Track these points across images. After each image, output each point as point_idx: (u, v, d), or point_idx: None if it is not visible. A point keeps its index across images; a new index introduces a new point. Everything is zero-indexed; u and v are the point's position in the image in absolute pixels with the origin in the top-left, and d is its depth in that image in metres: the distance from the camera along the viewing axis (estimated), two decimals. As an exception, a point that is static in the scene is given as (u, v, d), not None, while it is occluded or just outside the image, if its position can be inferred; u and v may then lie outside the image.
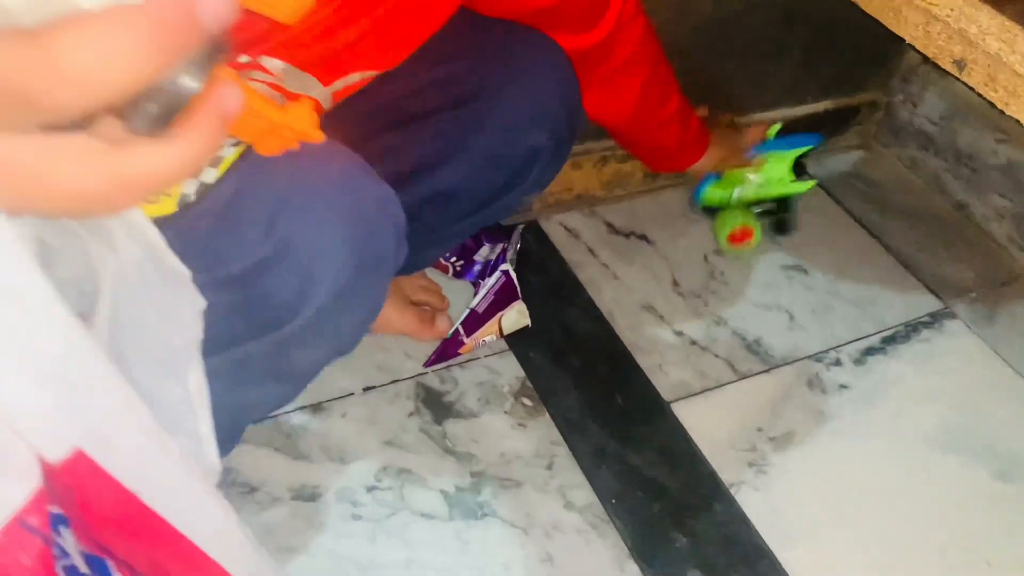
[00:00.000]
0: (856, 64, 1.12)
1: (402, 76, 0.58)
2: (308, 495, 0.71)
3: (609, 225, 1.01)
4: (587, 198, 1.02)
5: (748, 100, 1.07)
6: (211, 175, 0.40)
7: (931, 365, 0.91)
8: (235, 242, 0.37)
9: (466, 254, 0.89)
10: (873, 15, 0.68)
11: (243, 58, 0.47)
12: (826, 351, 0.90)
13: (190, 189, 0.40)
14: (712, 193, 0.98)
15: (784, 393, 0.86)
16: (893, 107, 1.17)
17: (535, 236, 0.97)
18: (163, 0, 0.18)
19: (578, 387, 0.83)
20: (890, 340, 0.92)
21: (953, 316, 0.96)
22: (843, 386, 0.87)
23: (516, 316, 0.83)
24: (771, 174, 0.97)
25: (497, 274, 0.84)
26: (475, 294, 0.84)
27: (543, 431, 0.79)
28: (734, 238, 0.98)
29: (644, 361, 0.86)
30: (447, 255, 0.89)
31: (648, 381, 0.84)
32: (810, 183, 0.99)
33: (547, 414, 0.80)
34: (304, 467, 0.73)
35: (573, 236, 0.99)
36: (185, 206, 0.40)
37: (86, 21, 0.17)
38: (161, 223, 0.34)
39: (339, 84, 0.53)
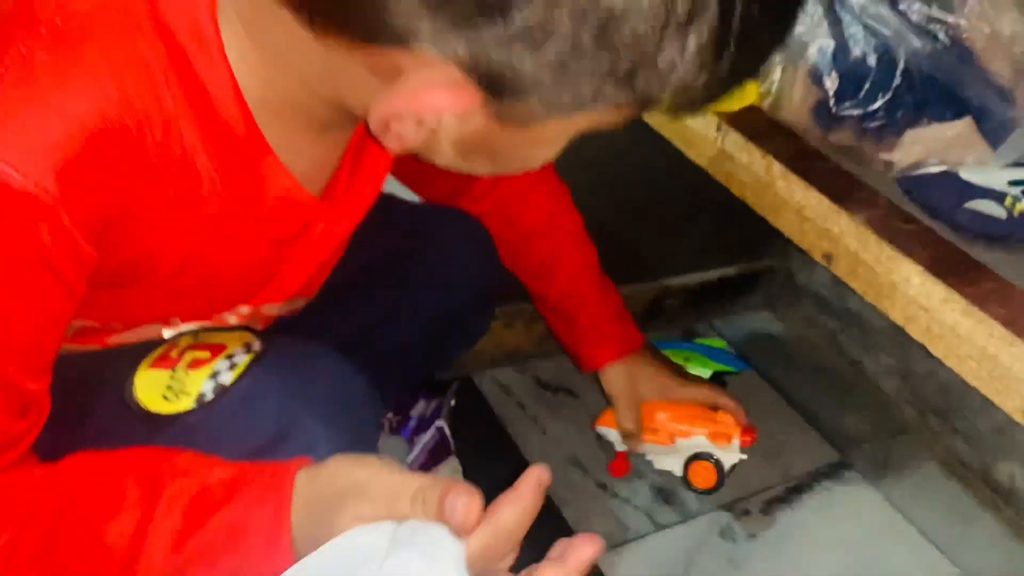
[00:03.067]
0: (758, 235, 1.25)
1: (344, 261, 0.66)
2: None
3: (538, 380, 1.09)
4: (518, 355, 1.10)
5: (662, 267, 1.18)
6: (228, 378, 0.48)
7: (831, 513, 0.98)
8: (245, 431, 0.44)
9: (402, 409, 0.95)
10: (759, 212, 0.80)
11: (244, 309, 0.57)
12: (736, 501, 0.97)
13: (208, 388, 0.48)
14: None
15: (698, 543, 0.92)
16: (792, 272, 1.30)
17: (469, 392, 1.04)
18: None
19: (507, 539, 0.87)
20: (794, 490, 1.00)
21: (850, 467, 1.05)
22: (752, 535, 0.94)
23: (449, 472, 0.89)
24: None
25: (431, 430, 0.90)
26: (410, 451, 0.89)
27: (474, 583, 0.82)
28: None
29: (569, 513, 0.92)
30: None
31: (573, 533, 0.90)
32: None
33: (478, 566, 0.84)
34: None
35: (505, 391, 1.06)
36: (202, 404, 0.48)
37: None
38: (176, 418, 0.45)
39: (313, 290, 0.63)
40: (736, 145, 0.80)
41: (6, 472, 0.41)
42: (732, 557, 0.91)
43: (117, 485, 0.40)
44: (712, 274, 1.23)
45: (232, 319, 0.57)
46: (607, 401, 0.92)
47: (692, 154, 0.85)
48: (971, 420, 1.08)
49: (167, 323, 0.53)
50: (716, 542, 0.92)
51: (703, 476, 0.92)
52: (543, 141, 0.43)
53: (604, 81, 0.37)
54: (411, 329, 0.75)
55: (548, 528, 0.94)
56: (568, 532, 0.91)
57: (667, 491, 0.97)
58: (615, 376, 0.88)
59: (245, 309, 0.56)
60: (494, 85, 0.37)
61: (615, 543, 0.90)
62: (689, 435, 0.89)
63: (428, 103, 0.38)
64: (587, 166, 0.98)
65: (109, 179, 0.39)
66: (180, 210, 0.43)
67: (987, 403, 1.06)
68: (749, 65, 0.41)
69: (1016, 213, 0.68)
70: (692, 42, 0.36)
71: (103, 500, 0.40)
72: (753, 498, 0.98)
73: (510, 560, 0.39)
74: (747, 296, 1.29)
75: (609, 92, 0.38)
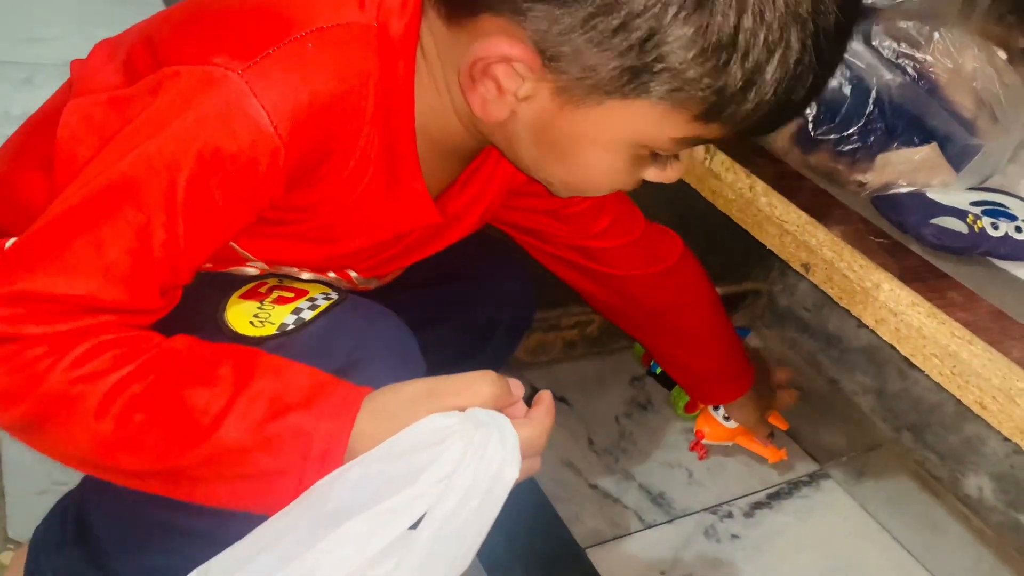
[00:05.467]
0: (741, 258, 1.32)
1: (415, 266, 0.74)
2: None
3: (534, 388, 1.13)
4: (515, 363, 1.15)
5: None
6: (308, 315, 0.55)
7: (810, 519, 1.04)
8: (317, 360, 0.49)
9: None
10: (742, 226, 0.87)
11: (331, 274, 0.66)
12: (720, 504, 1.02)
13: (290, 320, 0.54)
14: None
15: (684, 541, 0.97)
16: (773, 295, 1.37)
17: (467, 397, 1.08)
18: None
19: (503, 533, 0.91)
20: (775, 496, 1.06)
21: (828, 476, 1.11)
22: (735, 536, 0.99)
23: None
24: None
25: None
26: (414, 446, 0.94)
27: (470, 573, 0.86)
28: (690, 408, 1.12)
29: (563, 511, 0.96)
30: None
31: (566, 528, 0.94)
32: None
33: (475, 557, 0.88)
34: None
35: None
36: (284, 332, 0.54)
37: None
38: (261, 340, 0.53)
39: (390, 277, 0.73)
40: (722, 165, 0.86)
41: (137, 328, 0.49)
42: (716, 556, 0.96)
43: (217, 363, 0.47)
44: (699, 294, 1.29)
45: (329, 276, 0.66)
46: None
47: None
48: (942, 436, 1.14)
49: (278, 265, 0.63)
50: (701, 541, 0.97)
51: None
52: (599, 137, 0.52)
53: (624, 60, 0.46)
54: (444, 336, 0.81)
55: (543, 523, 0.99)
56: (561, 526, 0.95)
57: (655, 492, 1.02)
58: (742, 408, 1.04)
59: (352, 273, 0.67)
60: (540, 40, 0.48)
61: (605, 539, 0.94)
62: None
63: (496, 49, 0.49)
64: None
65: (320, 142, 0.51)
66: (348, 183, 0.55)
67: (956, 420, 1.12)
68: (755, 78, 0.47)
69: (976, 229, 0.74)
70: (689, 29, 0.45)
71: (203, 371, 0.47)
72: (736, 502, 1.03)
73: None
74: (731, 316, 1.35)
75: (633, 79, 0.47)
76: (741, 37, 0.45)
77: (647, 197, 1.13)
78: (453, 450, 0.43)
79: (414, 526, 0.43)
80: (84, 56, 0.62)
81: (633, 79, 0.47)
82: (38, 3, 1.65)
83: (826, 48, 0.48)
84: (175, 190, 0.47)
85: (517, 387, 0.50)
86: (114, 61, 0.56)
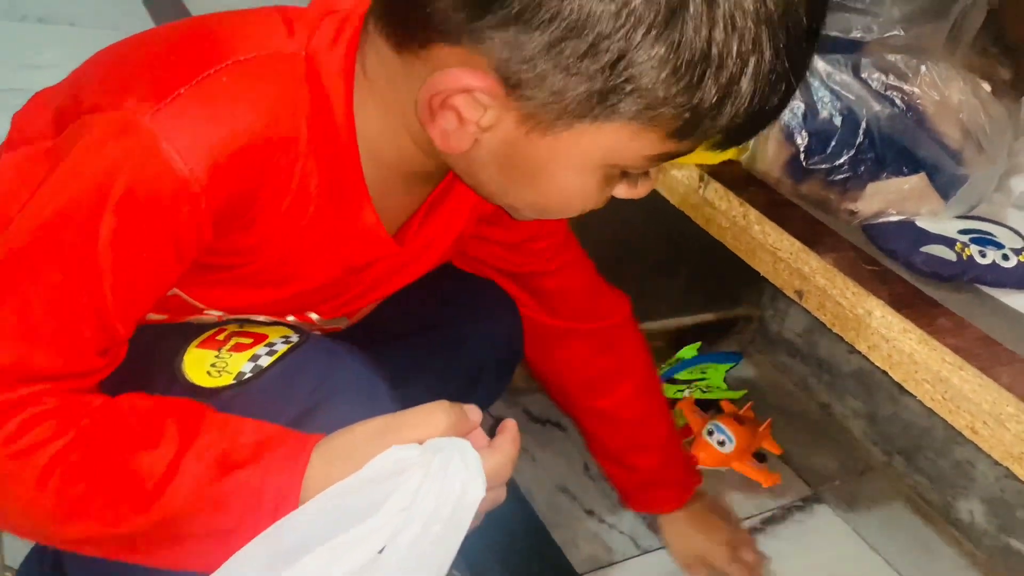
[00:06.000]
0: (733, 284, 1.34)
1: (386, 303, 0.71)
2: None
3: (528, 413, 1.14)
4: (511, 388, 1.16)
5: (643, 311, 1.25)
6: (267, 361, 0.54)
7: (803, 543, 1.04)
8: (276, 407, 0.48)
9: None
10: (736, 253, 0.88)
11: (291, 318, 0.63)
12: (715, 529, 1.03)
13: (247, 368, 0.53)
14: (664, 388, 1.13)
15: (680, 567, 0.97)
16: (765, 320, 1.38)
17: (462, 422, 1.09)
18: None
19: (499, 558, 0.92)
20: (769, 521, 1.06)
21: (821, 501, 1.12)
22: (730, 560, 0.99)
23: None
24: (711, 382, 1.17)
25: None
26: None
27: (469, 598, 0.87)
28: (683, 434, 1.13)
29: (559, 536, 0.97)
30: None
31: (563, 554, 0.95)
32: (742, 392, 1.20)
33: (473, 583, 0.88)
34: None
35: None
36: (240, 381, 0.53)
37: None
38: (216, 391, 0.50)
39: (358, 316, 0.70)
40: (717, 194, 0.88)
41: (76, 392, 0.47)
42: (711, 581, 0.96)
43: (160, 423, 0.46)
44: (690, 319, 1.30)
45: (289, 319, 0.64)
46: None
47: (676, 202, 0.93)
48: (933, 460, 1.16)
49: (233, 312, 0.60)
50: (696, 566, 0.97)
51: None
52: (569, 160, 0.49)
53: (592, 83, 0.44)
54: (431, 387, 0.78)
55: (539, 547, 0.99)
56: (557, 552, 0.96)
57: (650, 518, 1.02)
58: (673, 528, 0.97)
59: (314, 316, 0.64)
60: (503, 68, 0.45)
61: (601, 565, 0.95)
62: None
63: (456, 81, 0.46)
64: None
65: (245, 182, 0.49)
66: (288, 220, 0.52)
67: (947, 444, 1.13)
68: (725, 86, 0.45)
69: (964, 257, 0.76)
70: (661, 49, 0.42)
71: (145, 432, 0.46)
72: (730, 526, 1.04)
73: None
74: (722, 342, 1.37)
75: (602, 101, 0.44)
76: (714, 50, 0.43)
77: (640, 222, 1.15)
78: (413, 479, 0.43)
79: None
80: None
81: (602, 101, 0.45)
82: (34, 30, 1.66)
83: (797, 51, 0.46)
84: (94, 243, 0.45)
85: (474, 412, 0.48)
86: (48, 112, 0.53)
